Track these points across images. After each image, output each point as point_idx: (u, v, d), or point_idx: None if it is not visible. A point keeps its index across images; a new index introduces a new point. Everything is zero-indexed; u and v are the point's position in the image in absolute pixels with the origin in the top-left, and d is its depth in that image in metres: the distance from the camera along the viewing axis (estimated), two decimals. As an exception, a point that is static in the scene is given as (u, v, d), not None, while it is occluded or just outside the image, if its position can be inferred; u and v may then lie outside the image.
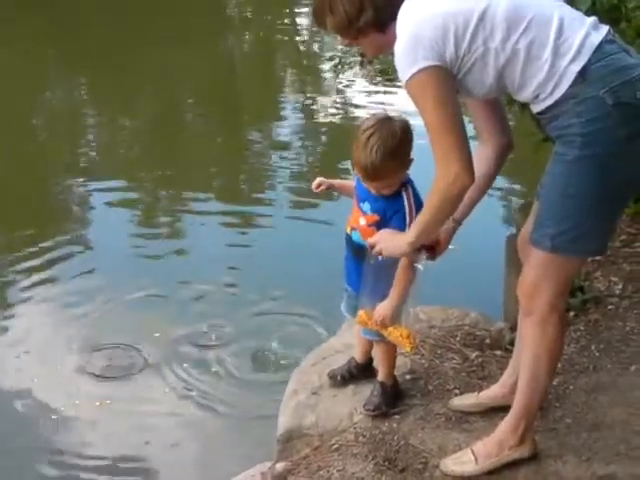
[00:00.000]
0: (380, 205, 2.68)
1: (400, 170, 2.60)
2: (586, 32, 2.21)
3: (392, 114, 2.62)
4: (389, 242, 2.55)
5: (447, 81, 2.24)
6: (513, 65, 2.23)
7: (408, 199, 2.65)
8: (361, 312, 2.77)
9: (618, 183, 2.28)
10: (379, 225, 2.68)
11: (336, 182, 2.97)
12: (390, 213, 2.66)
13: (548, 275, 2.38)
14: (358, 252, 2.76)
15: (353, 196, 2.79)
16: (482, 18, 2.19)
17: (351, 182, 2.87)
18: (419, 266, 2.61)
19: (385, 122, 2.55)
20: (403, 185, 2.66)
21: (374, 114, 2.65)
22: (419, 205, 2.60)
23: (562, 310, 2.49)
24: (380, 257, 2.59)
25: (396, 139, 2.53)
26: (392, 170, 2.57)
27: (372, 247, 2.59)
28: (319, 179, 2.90)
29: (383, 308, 2.69)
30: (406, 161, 2.60)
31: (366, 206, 2.71)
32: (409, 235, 2.48)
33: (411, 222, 2.57)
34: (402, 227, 2.61)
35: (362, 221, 2.73)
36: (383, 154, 2.50)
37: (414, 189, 2.68)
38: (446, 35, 2.20)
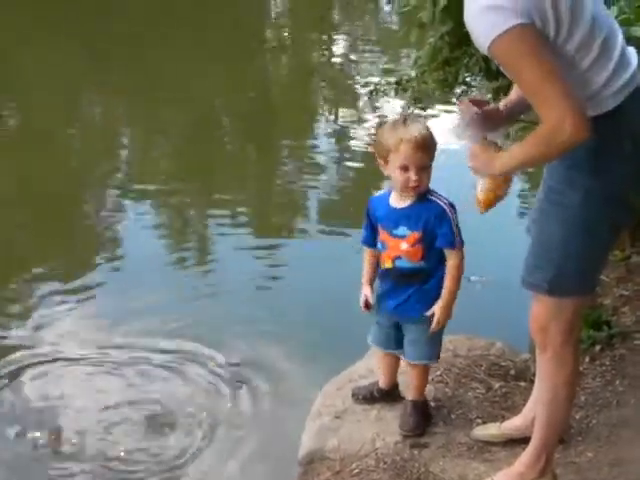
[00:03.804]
0: (416, 219, 2.72)
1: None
2: (634, 69, 2.17)
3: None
4: (483, 164, 2.36)
5: (540, 37, 2.05)
6: (570, 69, 2.12)
7: (439, 198, 2.73)
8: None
9: (622, 223, 2.31)
10: (424, 240, 2.72)
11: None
12: (430, 217, 2.71)
13: (554, 314, 2.40)
14: (407, 277, 2.80)
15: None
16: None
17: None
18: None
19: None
20: (427, 191, 2.74)
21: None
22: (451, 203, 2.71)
23: (575, 342, 2.50)
24: None
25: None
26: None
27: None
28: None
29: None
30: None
31: (402, 230, 2.76)
32: (499, 164, 2.30)
33: (454, 217, 2.69)
34: (449, 226, 2.69)
35: (404, 245, 2.77)
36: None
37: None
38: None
